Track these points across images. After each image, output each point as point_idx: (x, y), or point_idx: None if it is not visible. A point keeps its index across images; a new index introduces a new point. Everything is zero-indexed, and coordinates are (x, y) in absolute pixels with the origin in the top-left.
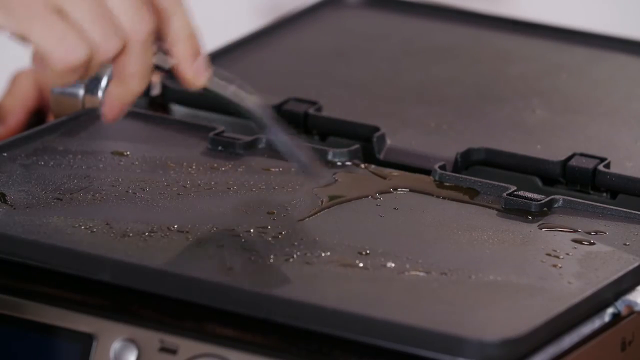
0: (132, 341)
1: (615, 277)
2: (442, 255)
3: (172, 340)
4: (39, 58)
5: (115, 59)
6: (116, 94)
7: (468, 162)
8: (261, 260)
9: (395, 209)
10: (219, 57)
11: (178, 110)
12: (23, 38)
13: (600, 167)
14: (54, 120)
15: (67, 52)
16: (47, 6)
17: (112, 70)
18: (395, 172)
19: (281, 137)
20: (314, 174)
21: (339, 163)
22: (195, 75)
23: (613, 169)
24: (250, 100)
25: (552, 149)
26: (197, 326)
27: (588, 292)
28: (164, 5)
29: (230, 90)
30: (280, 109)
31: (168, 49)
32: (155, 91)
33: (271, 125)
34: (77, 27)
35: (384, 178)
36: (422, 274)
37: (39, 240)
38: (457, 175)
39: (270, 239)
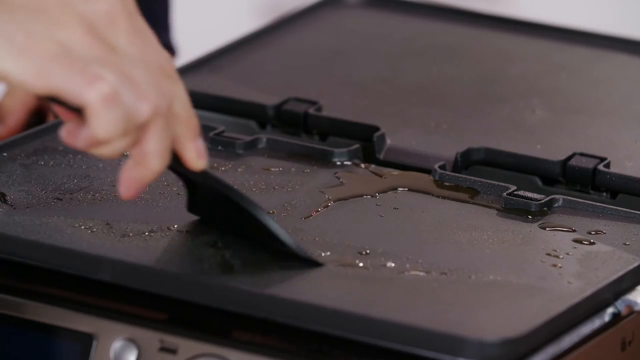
0: (132, 341)
1: (615, 277)
2: (442, 255)
3: (172, 340)
4: (70, 128)
5: (135, 139)
6: (136, 176)
7: (468, 161)
8: (261, 260)
9: (395, 208)
10: (219, 57)
11: None
12: (45, 86)
13: (600, 167)
14: (54, 120)
15: (90, 80)
16: (65, 54)
17: (131, 152)
18: (395, 172)
19: (274, 225)
20: (308, 257)
21: (338, 163)
22: (198, 155)
23: (613, 169)
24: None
25: (552, 149)
26: (197, 326)
27: (588, 292)
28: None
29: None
30: (280, 108)
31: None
32: None
33: (263, 214)
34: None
35: (384, 178)
36: (422, 274)
37: (39, 240)
38: (457, 175)
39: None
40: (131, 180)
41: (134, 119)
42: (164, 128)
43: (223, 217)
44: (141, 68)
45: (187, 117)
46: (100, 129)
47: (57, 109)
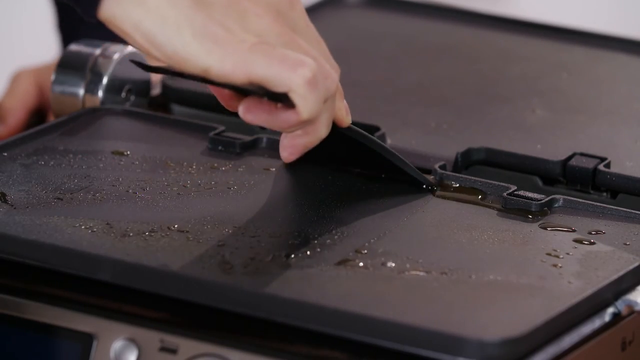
0: (132, 341)
1: (615, 276)
2: (442, 255)
3: (172, 340)
4: (250, 105)
5: None
6: (304, 143)
7: (468, 161)
8: (261, 260)
9: (395, 208)
10: None
11: (178, 110)
12: (247, 76)
13: (601, 167)
14: (54, 120)
15: (293, 66)
16: (261, 43)
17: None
18: None
19: (409, 167)
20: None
21: None
22: (347, 112)
23: (613, 169)
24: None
25: (552, 149)
26: (197, 326)
27: (588, 292)
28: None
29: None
30: None
31: None
32: (156, 91)
33: (398, 158)
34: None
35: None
36: (422, 273)
37: (39, 240)
38: (457, 175)
39: (270, 238)
40: (298, 146)
41: (326, 97)
42: (334, 101)
43: (343, 154)
44: (317, 47)
45: (338, 82)
46: (306, 112)
47: (214, 90)
